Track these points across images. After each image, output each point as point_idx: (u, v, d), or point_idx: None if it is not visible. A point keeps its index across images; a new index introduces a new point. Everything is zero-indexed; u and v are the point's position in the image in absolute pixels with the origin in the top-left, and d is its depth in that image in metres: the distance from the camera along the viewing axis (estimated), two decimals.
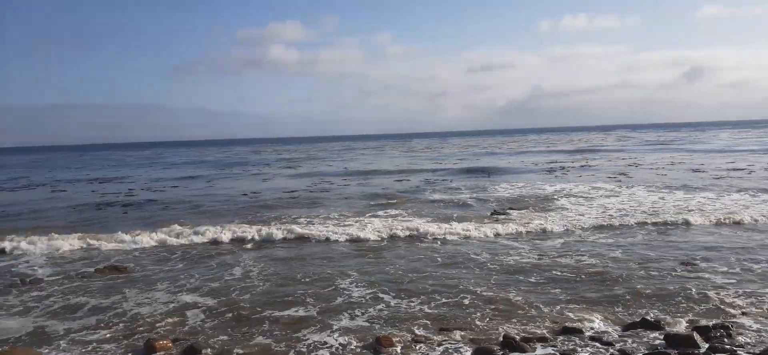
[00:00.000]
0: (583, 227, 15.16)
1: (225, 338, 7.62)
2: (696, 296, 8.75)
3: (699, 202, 18.70)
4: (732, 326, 7.25)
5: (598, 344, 6.94)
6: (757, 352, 6.42)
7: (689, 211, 16.84)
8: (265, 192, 26.65)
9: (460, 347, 7.02)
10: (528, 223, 15.69)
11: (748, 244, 12.49)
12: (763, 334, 7.06)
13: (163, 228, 15.82)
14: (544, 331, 7.50)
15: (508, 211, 18.29)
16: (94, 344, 7.52)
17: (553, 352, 6.79)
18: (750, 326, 7.33)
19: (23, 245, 14.03)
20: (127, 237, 14.84)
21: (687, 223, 15.13)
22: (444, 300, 9.00)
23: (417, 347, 7.05)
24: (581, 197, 21.04)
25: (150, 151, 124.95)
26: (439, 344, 7.13)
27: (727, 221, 15.20)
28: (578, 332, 7.37)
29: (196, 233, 15.08)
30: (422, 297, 9.19)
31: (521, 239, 14.03)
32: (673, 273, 10.18)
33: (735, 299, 8.55)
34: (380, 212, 18.81)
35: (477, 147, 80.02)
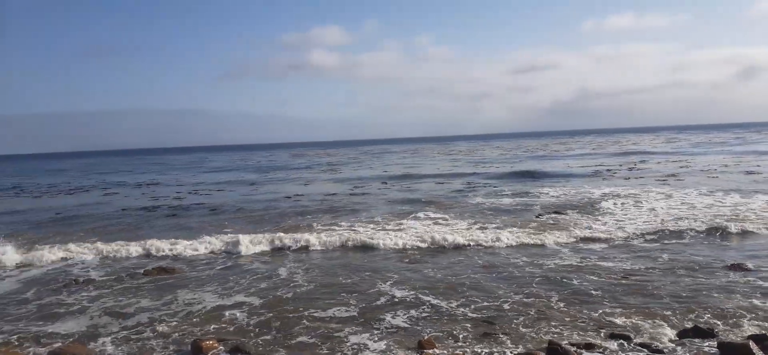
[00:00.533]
0: (630, 230, 14.74)
1: (269, 338, 7.75)
2: (750, 304, 8.40)
3: (754, 206, 17.92)
4: None
5: (647, 352, 6.74)
6: None
7: (743, 215, 16.17)
8: (307, 196, 26.96)
9: (504, 353, 6.93)
10: (573, 227, 15.37)
11: None
12: None
13: (208, 235, 16.10)
14: (591, 337, 7.33)
15: (552, 214, 17.97)
16: (142, 342, 7.76)
17: None
18: None
19: (77, 247, 14.56)
20: (176, 242, 15.19)
21: (741, 228, 14.49)
22: (485, 303, 8.92)
23: (459, 352, 6.99)
24: (629, 199, 20.48)
25: (195, 155, 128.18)
26: (482, 350, 7.05)
27: None
28: (626, 338, 7.17)
29: (237, 244, 14.74)
30: (462, 300, 9.13)
31: (565, 243, 13.74)
32: (725, 279, 9.79)
33: None
34: (421, 215, 18.77)
35: (520, 149, 78.95)
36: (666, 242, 13.40)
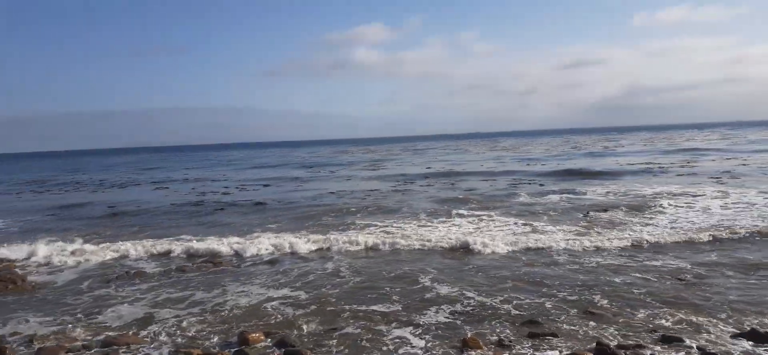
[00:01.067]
0: (682, 229, 14.24)
1: (314, 331, 7.86)
2: None
3: None
4: None
5: None
6: None
7: None
8: (351, 193, 27.14)
9: (549, 352, 6.81)
10: (621, 226, 14.97)
11: None
12: None
13: (254, 231, 16.45)
14: (640, 338, 7.11)
15: (600, 213, 17.53)
16: (192, 333, 7.98)
17: None
18: None
19: (129, 241, 15.04)
20: (223, 236, 15.56)
21: None
22: (528, 301, 8.81)
23: (503, 352, 6.91)
24: (681, 198, 19.80)
25: (241, 151, 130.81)
26: (527, 349, 6.95)
27: None
28: (678, 341, 6.92)
29: (283, 239, 14.93)
30: (505, 297, 9.03)
31: (612, 242, 13.35)
32: None
33: None
34: (464, 212, 18.62)
35: (568, 146, 77.36)
36: (720, 242, 12.89)
